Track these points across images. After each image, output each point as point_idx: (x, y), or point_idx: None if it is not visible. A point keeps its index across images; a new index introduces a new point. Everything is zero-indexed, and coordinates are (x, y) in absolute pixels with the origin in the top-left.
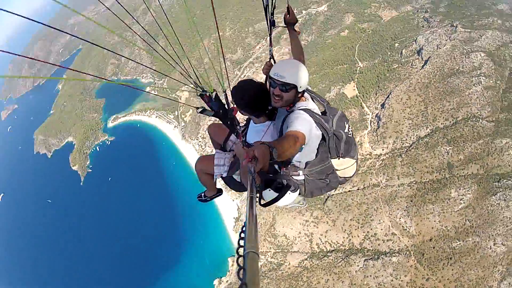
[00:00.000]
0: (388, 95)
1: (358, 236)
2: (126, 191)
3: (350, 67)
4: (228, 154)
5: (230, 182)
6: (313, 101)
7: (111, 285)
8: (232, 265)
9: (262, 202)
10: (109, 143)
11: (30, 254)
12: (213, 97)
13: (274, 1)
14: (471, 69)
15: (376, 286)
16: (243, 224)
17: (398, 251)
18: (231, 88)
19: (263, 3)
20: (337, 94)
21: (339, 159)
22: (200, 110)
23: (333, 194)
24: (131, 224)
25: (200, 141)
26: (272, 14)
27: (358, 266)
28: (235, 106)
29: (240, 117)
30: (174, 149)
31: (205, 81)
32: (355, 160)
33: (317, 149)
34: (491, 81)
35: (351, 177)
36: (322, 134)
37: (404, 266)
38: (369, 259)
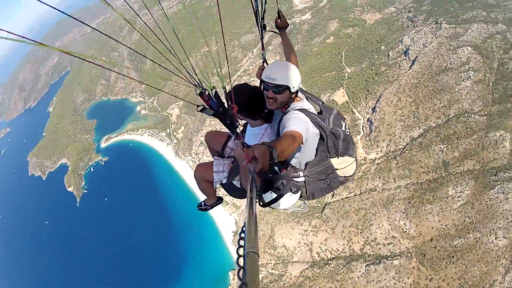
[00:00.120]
0: (378, 99)
1: (358, 242)
2: (123, 210)
3: (338, 74)
4: (227, 160)
5: (230, 189)
6: (308, 101)
7: None
8: (233, 278)
9: (262, 202)
10: (103, 163)
11: (28, 275)
12: (213, 94)
13: (264, 5)
14: (459, 65)
15: None
16: (243, 224)
17: (400, 254)
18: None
19: (253, 7)
20: (327, 101)
21: (338, 158)
22: (200, 108)
23: (330, 202)
24: (129, 243)
25: (193, 158)
26: (263, 18)
27: (360, 272)
28: (234, 104)
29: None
30: (168, 166)
31: (204, 77)
32: (354, 159)
33: (316, 149)
34: (480, 75)
35: (351, 176)
36: (320, 133)
37: (406, 269)
38: (371, 264)
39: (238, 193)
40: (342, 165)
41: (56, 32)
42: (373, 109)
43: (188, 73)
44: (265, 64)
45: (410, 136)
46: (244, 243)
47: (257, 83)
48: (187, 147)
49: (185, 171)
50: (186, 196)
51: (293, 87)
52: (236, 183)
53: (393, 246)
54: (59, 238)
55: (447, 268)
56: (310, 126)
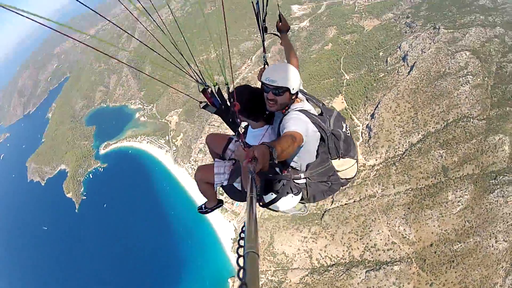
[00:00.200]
0: (377, 105)
1: (358, 248)
2: (122, 217)
3: (337, 80)
4: (228, 163)
5: (231, 191)
6: (309, 103)
7: None
8: (233, 285)
9: (262, 202)
10: (101, 170)
11: (26, 279)
12: (215, 91)
13: (265, 8)
14: (458, 70)
15: None
16: (243, 224)
17: (400, 260)
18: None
19: (254, 10)
20: None
21: (339, 159)
22: (203, 105)
23: (329, 209)
24: (128, 250)
25: (192, 165)
26: (264, 20)
27: (360, 278)
28: (236, 102)
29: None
30: (167, 173)
31: (208, 73)
32: (355, 160)
33: (317, 151)
34: (479, 79)
35: (352, 177)
36: (321, 135)
37: (406, 274)
38: (371, 270)
39: (238, 195)
40: (344, 166)
41: (56, 38)
42: (372, 116)
43: (191, 68)
44: (266, 66)
45: (409, 141)
46: (244, 243)
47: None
48: (186, 154)
49: (184, 178)
50: (185, 203)
51: (293, 89)
52: (237, 185)
53: (393, 252)
54: (57, 244)
55: (448, 272)
56: (310, 126)
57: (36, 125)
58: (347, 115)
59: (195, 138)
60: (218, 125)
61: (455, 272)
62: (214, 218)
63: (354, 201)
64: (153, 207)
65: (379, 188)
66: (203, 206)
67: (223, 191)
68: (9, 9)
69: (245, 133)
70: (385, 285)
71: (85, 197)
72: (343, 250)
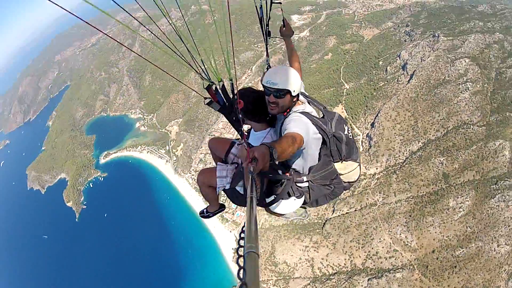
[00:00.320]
0: (377, 114)
1: (360, 257)
2: (122, 226)
3: (337, 90)
4: (230, 166)
5: (233, 195)
6: (310, 105)
7: None
8: None
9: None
10: (102, 179)
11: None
12: (220, 87)
13: (268, 12)
14: (457, 77)
15: None
16: (243, 225)
17: (402, 267)
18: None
19: (258, 14)
20: None
21: (342, 162)
22: (207, 101)
23: (331, 218)
24: (129, 260)
25: (193, 175)
26: (267, 25)
27: (362, 286)
28: (240, 100)
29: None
30: (167, 183)
31: (213, 69)
32: (358, 163)
33: (319, 153)
34: (478, 86)
35: (355, 181)
36: (323, 137)
37: (409, 281)
38: (373, 277)
39: (240, 200)
40: (346, 170)
41: (57, 45)
42: (372, 125)
43: (196, 63)
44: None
45: (409, 150)
46: (244, 243)
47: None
48: (186, 164)
49: (185, 188)
50: (185, 213)
51: (293, 91)
52: (239, 189)
53: (395, 259)
54: (58, 253)
55: (450, 278)
56: (311, 128)
57: (36, 132)
58: (347, 124)
59: (195, 148)
60: (219, 136)
61: (458, 278)
62: (215, 228)
63: (355, 210)
64: (153, 217)
65: (380, 196)
66: (205, 210)
67: (225, 195)
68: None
69: (248, 136)
70: None
71: (85, 206)
72: (345, 259)
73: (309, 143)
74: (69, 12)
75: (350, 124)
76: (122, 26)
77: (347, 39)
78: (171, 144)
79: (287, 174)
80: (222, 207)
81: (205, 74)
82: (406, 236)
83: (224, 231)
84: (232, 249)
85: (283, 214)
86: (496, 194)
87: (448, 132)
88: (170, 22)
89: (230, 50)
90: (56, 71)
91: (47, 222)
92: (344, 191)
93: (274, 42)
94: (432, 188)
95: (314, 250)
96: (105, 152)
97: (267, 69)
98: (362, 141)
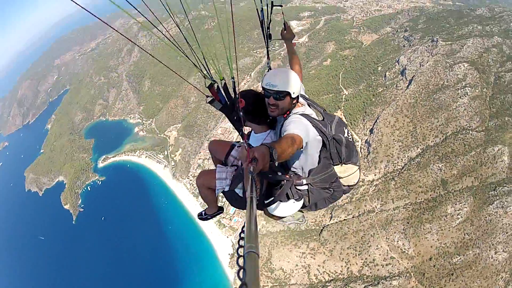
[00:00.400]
0: (376, 120)
1: (357, 264)
2: (119, 230)
3: (336, 96)
4: (230, 169)
5: (232, 198)
6: (310, 108)
7: None
8: None
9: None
10: (100, 183)
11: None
12: (221, 86)
13: (269, 15)
14: (456, 82)
15: None
16: (243, 225)
17: (398, 274)
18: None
19: (259, 17)
20: None
21: (341, 165)
22: (209, 100)
23: (328, 224)
24: (125, 264)
25: (191, 180)
26: (268, 27)
27: None
28: (242, 99)
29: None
30: (165, 188)
31: (215, 68)
32: (357, 167)
33: (319, 156)
34: (477, 91)
35: (354, 185)
36: (322, 140)
37: None
38: (369, 285)
39: (239, 202)
40: (346, 173)
41: (57, 50)
42: (371, 131)
43: (198, 61)
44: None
45: (408, 156)
46: (244, 243)
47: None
48: (185, 170)
49: (182, 193)
50: (183, 218)
51: (293, 93)
52: (238, 191)
53: (392, 266)
54: (54, 255)
55: (447, 286)
56: (311, 130)
57: (35, 135)
58: None
59: (194, 154)
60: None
61: (454, 285)
62: (212, 233)
63: (353, 217)
64: (150, 221)
65: (378, 203)
66: (203, 212)
67: (225, 197)
68: None
69: (248, 137)
70: None
71: (82, 209)
72: (342, 266)
73: (308, 145)
74: (85, 9)
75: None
76: (120, 30)
77: (346, 44)
78: (170, 149)
79: (287, 176)
80: (220, 209)
81: (207, 72)
82: (403, 244)
83: (221, 237)
84: (229, 254)
85: (281, 218)
86: (495, 200)
87: (447, 138)
88: (175, 21)
89: (232, 50)
90: (56, 75)
91: (44, 223)
92: (343, 195)
93: (273, 48)
94: (430, 195)
95: (311, 257)
96: (104, 156)
97: (268, 71)
98: (360, 147)
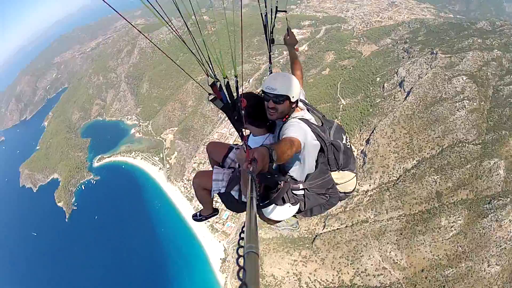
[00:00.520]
0: (373, 130)
1: (348, 273)
2: (111, 230)
3: (333, 105)
4: (227, 170)
5: (228, 200)
6: (309, 113)
7: None
8: None
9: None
10: (94, 182)
11: (12, 283)
12: (224, 84)
13: (273, 20)
14: (454, 94)
15: None
16: (243, 225)
17: (390, 285)
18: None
19: (263, 21)
20: None
21: (338, 172)
22: (211, 98)
23: (321, 233)
24: (116, 265)
25: (185, 183)
26: (272, 32)
27: None
28: (244, 98)
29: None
30: (159, 191)
31: (220, 67)
32: (354, 174)
33: (316, 161)
34: (475, 103)
35: (351, 192)
36: (321, 145)
37: None
38: None
39: (234, 205)
40: (343, 180)
41: (57, 47)
42: (367, 141)
43: (203, 56)
44: None
45: (403, 167)
46: (244, 243)
47: None
48: (179, 173)
49: (176, 196)
50: (175, 221)
51: (292, 97)
52: (234, 193)
53: (384, 277)
54: (45, 251)
55: None
56: (309, 134)
57: (31, 132)
58: None
59: (189, 158)
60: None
61: None
62: (204, 237)
63: (346, 226)
64: (143, 223)
65: (372, 213)
66: (198, 213)
67: (220, 199)
68: None
69: (247, 140)
70: None
71: (75, 208)
72: (333, 275)
73: (306, 149)
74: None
75: None
76: (122, 31)
77: (345, 54)
78: (165, 152)
79: (285, 177)
80: (215, 211)
81: (211, 70)
82: (396, 254)
83: (213, 241)
84: (220, 259)
85: (276, 221)
86: (489, 213)
87: (443, 150)
88: (183, 18)
89: (235, 50)
90: (55, 73)
91: (37, 220)
92: (339, 202)
93: (273, 56)
94: (424, 207)
95: (303, 265)
96: (99, 156)
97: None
98: (356, 157)
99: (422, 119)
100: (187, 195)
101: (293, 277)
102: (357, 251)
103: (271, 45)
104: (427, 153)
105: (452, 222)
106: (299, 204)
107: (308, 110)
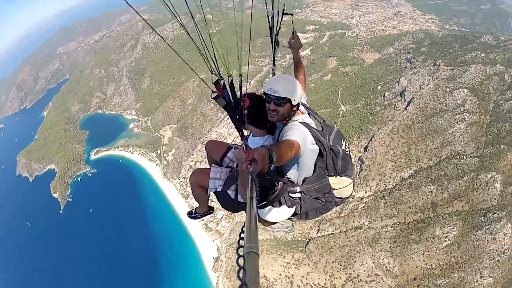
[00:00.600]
0: (371, 138)
1: (340, 278)
2: (105, 224)
3: (333, 111)
4: (225, 169)
5: (224, 199)
6: (310, 117)
7: None
8: None
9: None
10: (90, 175)
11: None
12: (229, 82)
13: (280, 23)
14: (455, 107)
15: None
16: (243, 225)
17: None
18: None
19: (269, 23)
20: None
21: (336, 177)
22: (214, 95)
23: (315, 237)
24: (108, 258)
25: (181, 181)
26: (277, 34)
27: None
28: (247, 97)
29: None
30: (155, 187)
31: (224, 64)
32: (352, 180)
33: (315, 165)
34: (475, 117)
35: (347, 198)
36: (320, 149)
37: None
38: None
39: (230, 205)
40: (340, 185)
41: (61, 38)
42: (365, 148)
43: (208, 53)
44: None
45: (400, 176)
46: (244, 243)
47: None
48: (176, 170)
49: (172, 193)
50: (170, 218)
51: (294, 100)
52: (230, 193)
53: (376, 283)
54: (39, 241)
55: None
56: (309, 138)
57: (30, 121)
58: None
59: (187, 155)
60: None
61: None
62: (198, 235)
63: (340, 232)
64: (138, 218)
65: (366, 220)
66: (193, 211)
67: (216, 198)
68: None
69: (246, 140)
70: None
71: (71, 199)
72: (325, 279)
73: (305, 152)
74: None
75: None
76: (126, 25)
77: (348, 61)
78: (163, 148)
79: (281, 182)
80: (211, 209)
81: (216, 68)
82: (388, 262)
83: (207, 240)
84: (213, 258)
85: (272, 223)
86: (484, 226)
87: (441, 162)
88: (191, 14)
89: (242, 49)
90: (57, 63)
91: (32, 209)
92: (335, 207)
93: (276, 58)
94: (419, 216)
95: (295, 268)
96: (97, 149)
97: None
98: (354, 164)
99: (421, 129)
100: (183, 192)
101: (285, 279)
102: (350, 256)
103: (276, 47)
104: (425, 163)
105: (447, 233)
106: (295, 207)
107: (309, 114)
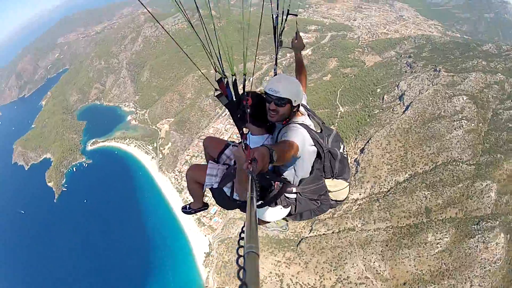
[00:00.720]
0: (368, 140)
1: (330, 279)
2: (99, 215)
3: (331, 112)
4: (222, 166)
5: (219, 196)
6: (310, 119)
7: None
8: None
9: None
10: (86, 165)
11: None
12: (232, 81)
13: (284, 23)
14: (453, 113)
15: None
16: (243, 224)
17: None
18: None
19: (273, 23)
20: None
21: (332, 179)
22: (217, 93)
23: (307, 237)
24: (99, 249)
25: (176, 175)
26: (281, 35)
27: None
28: (249, 97)
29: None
30: (150, 180)
31: (228, 62)
32: (348, 183)
33: (312, 167)
34: (473, 124)
35: (342, 201)
36: (318, 151)
37: None
38: None
39: (225, 202)
40: (336, 188)
41: (62, 28)
42: (362, 150)
43: (211, 51)
44: None
45: (395, 180)
46: (244, 243)
47: None
48: (171, 164)
49: (166, 187)
50: (164, 211)
51: (294, 101)
52: (226, 190)
53: (365, 286)
54: (32, 229)
55: None
56: (308, 140)
57: (28, 110)
58: None
59: (183, 150)
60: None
61: None
62: (190, 230)
63: (333, 233)
64: (131, 210)
65: (359, 222)
66: (187, 206)
67: (212, 194)
68: None
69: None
70: None
71: (65, 189)
72: (315, 279)
73: (303, 154)
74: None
75: None
76: (128, 18)
77: (348, 63)
78: (160, 141)
79: (277, 183)
80: (205, 205)
81: (220, 66)
82: (379, 265)
83: (199, 235)
84: (204, 253)
85: (266, 222)
86: (476, 234)
87: (437, 167)
88: (198, 9)
89: (247, 45)
90: (57, 53)
91: (26, 198)
92: (330, 209)
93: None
94: (412, 221)
95: (286, 266)
96: (93, 140)
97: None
98: (350, 166)
99: (419, 134)
100: (177, 186)
101: (275, 278)
102: (341, 258)
103: (279, 47)
104: (420, 168)
105: (439, 239)
106: (290, 207)
107: (309, 116)
